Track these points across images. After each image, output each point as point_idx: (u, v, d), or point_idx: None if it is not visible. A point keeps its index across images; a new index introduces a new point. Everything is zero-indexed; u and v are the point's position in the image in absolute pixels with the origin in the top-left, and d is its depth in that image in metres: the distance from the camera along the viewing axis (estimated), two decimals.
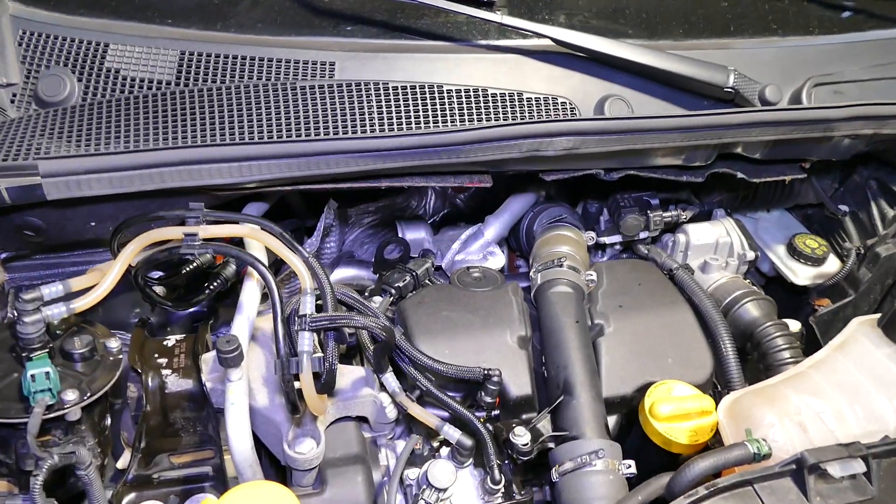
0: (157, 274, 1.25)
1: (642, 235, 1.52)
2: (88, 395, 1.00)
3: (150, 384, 1.13)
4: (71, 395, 0.97)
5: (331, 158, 1.15)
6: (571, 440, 1.15)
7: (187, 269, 1.22)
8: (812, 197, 1.71)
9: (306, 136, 1.20)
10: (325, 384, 1.07)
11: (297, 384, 1.05)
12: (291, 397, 1.06)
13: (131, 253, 1.06)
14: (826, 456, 0.91)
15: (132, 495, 1.10)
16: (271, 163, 1.13)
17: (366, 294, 1.46)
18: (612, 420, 1.26)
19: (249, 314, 1.15)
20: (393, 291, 1.35)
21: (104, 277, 1.04)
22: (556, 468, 1.12)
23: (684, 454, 1.18)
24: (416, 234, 1.60)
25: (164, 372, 1.15)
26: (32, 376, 0.93)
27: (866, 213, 1.62)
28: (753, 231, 1.70)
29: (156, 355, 1.17)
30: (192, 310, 1.42)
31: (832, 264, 1.60)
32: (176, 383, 1.14)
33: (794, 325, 1.46)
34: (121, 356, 1.07)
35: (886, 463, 0.97)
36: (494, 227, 1.52)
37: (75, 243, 1.24)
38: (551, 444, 1.17)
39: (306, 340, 1.06)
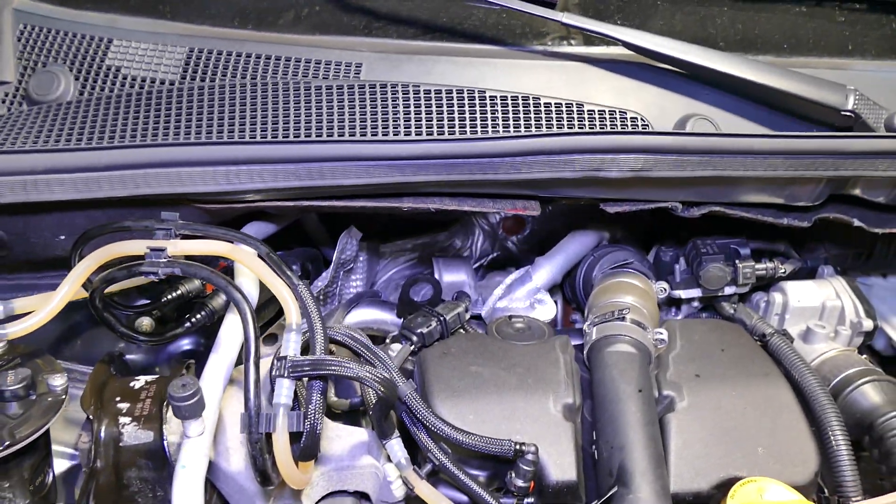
0: (140, 301, 1.05)
1: (728, 291, 1.23)
2: (6, 444, 0.79)
3: (101, 434, 0.92)
4: None
5: (337, 166, 0.94)
6: None
7: (169, 296, 1.03)
8: None
9: (317, 136, 0.99)
10: (305, 449, 0.83)
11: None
12: (260, 464, 0.82)
13: (84, 270, 0.87)
14: None
15: None
16: (265, 168, 0.93)
17: (386, 341, 1.23)
18: None
19: (229, 354, 0.93)
20: (415, 338, 1.11)
21: (49, 299, 0.84)
22: None
23: None
24: (455, 276, 1.37)
25: (123, 420, 0.94)
26: None
27: None
28: None
29: (117, 399, 0.96)
30: (186, 348, 1.23)
31: None
32: (133, 435, 0.93)
33: None
34: (63, 396, 0.87)
35: None
36: (545, 269, 1.27)
37: (45, 261, 1.06)
38: None
39: (284, 390, 0.83)
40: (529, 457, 0.93)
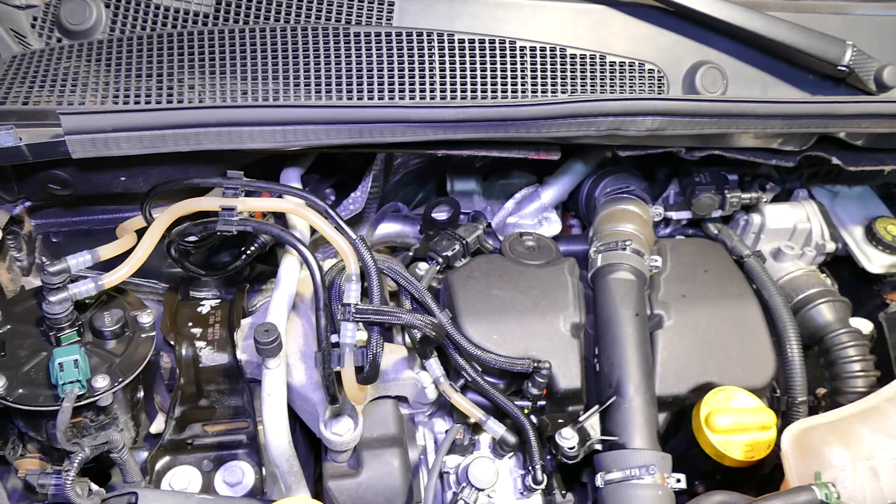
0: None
1: (714, 215, 1.39)
2: (120, 379, 0.94)
3: (183, 356, 1.07)
4: (102, 382, 0.92)
5: (386, 127, 1.02)
6: (620, 447, 1.09)
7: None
8: None
9: (358, 95, 1.06)
10: (368, 378, 1.00)
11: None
12: (332, 391, 0.99)
13: (163, 225, 0.97)
14: None
15: (166, 459, 1.08)
16: (318, 128, 1.01)
17: (409, 253, 1.37)
18: (661, 417, 1.20)
19: (289, 290, 1.07)
20: (440, 260, 1.26)
21: (134, 253, 0.95)
22: (602, 475, 1.07)
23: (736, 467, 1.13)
24: (465, 186, 1.49)
25: (199, 344, 1.09)
26: (60, 364, 0.87)
27: None
28: (830, 206, 1.55)
29: (189, 324, 1.10)
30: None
31: None
32: (210, 357, 1.08)
33: (866, 327, 1.35)
34: (153, 333, 1.01)
35: None
36: (553, 189, 1.40)
37: (104, 196, 1.15)
38: (598, 446, 1.12)
39: (349, 332, 0.98)
40: (544, 372, 1.12)
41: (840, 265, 1.58)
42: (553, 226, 1.40)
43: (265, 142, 1.01)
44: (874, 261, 1.46)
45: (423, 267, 1.27)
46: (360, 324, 1.01)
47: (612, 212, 1.33)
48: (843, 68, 1.16)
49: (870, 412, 1.03)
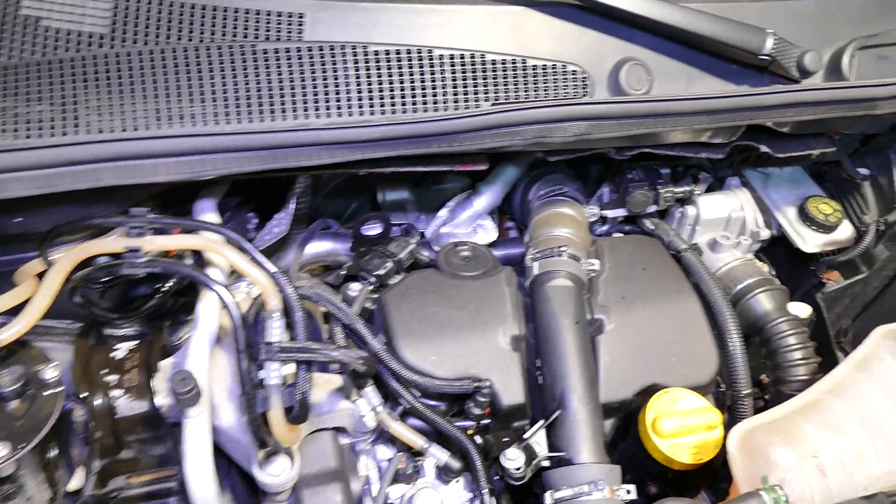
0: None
1: (649, 210, 1.37)
2: (23, 444, 0.87)
3: (96, 408, 1.00)
4: (2, 450, 0.84)
5: (301, 151, 0.96)
6: (567, 462, 1.06)
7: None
8: (830, 154, 1.56)
9: (271, 117, 1.00)
10: (297, 417, 0.95)
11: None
12: (259, 435, 0.94)
13: (62, 271, 0.89)
14: None
15: None
16: (228, 156, 0.94)
17: (341, 272, 1.31)
18: (607, 424, 1.17)
19: (208, 329, 1.00)
20: (373, 279, 1.21)
21: (30, 305, 0.88)
22: (552, 493, 1.04)
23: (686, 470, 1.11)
24: (397, 196, 1.44)
25: (114, 393, 1.01)
26: None
27: (888, 178, 1.49)
28: (763, 189, 1.55)
29: (103, 371, 1.03)
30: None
31: (844, 231, 1.48)
32: (128, 406, 1.01)
33: (804, 311, 1.36)
34: (60, 388, 0.93)
35: None
36: (486, 196, 1.35)
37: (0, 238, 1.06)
38: (546, 463, 1.09)
39: (273, 372, 0.93)
40: (485, 390, 1.09)
41: (776, 247, 1.59)
42: (488, 233, 1.36)
43: (170, 174, 0.93)
44: (808, 240, 1.46)
45: (355, 287, 1.22)
46: None
47: (546, 216, 1.29)
48: (765, 57, 1.14)
49: (812, 406, 1.02)
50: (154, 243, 0.91)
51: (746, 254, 1.40)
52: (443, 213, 1.37)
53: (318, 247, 1.33)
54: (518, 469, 1.05)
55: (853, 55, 1.22)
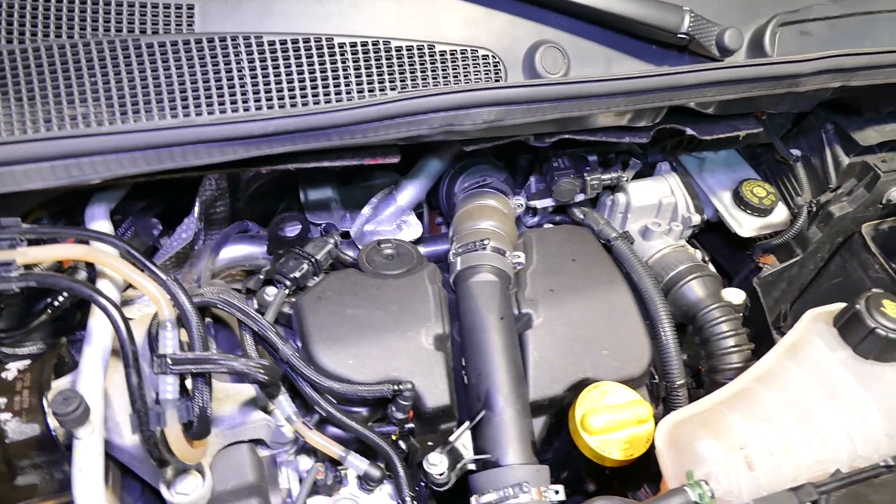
0: None
1: (578, 198, 1.33)
2: None
3: None
4: None
5: (189, 150, 0.90)
6: (494, 465, 1.01)
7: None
8: (763, 136, 1.54)
9: (160, 115, 0.94)
10: (198, 433, 0.89)
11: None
12: (155, 455, 0.87)
13: None
14: None
15: None
16: (108, 158, 0.88)
17: (260, 276, 1.25)
18: (540, 421, 1.13)
19: (102, 344, 0.94)
20: (288, 283, 1.15)
21: None
22: (477, 497, 0.99)
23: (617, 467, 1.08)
24: (320, 195, 1.38)
25: (3, 416, 0.94)
26: None
27: (820, 159, 1.47)
28: (698, 173, 1.53)
29: None
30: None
31: (779, 214, 1.46)
32: (18, 430, 0.94)
33: (739, 297, 1.33)
34: None
35: (836, 497, 0.87)
36: (409, 191, 1.30)
37: None
38: (472, 466, 1.04)
39: (168, 386, 0.86)
40: (406, 393, 1.04)
41: (715, 232, 1.57)
42: (413, 229, 1.30)
43: (45, 180, 0.87)
44: (744, 225, 1.44)
45: (271, 292, 1.16)
46: None
47: (469, 209, 1.25)
48: (684, 36, 1.11)
49: (739, 396, 0.99)
50: (27, 255, 0.84)
51: (679, 240, 1.36)
52: (366, 210, 1.32)
53: (233, 251, 1.26)
54: (441, 474, 1.00)
55: (775, 31, 1.20)
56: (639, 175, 1.40)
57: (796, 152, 1.50)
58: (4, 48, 0.93)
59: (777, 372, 1.00)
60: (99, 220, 1.01)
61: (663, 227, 1.34)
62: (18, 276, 0.83)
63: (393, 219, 1.30)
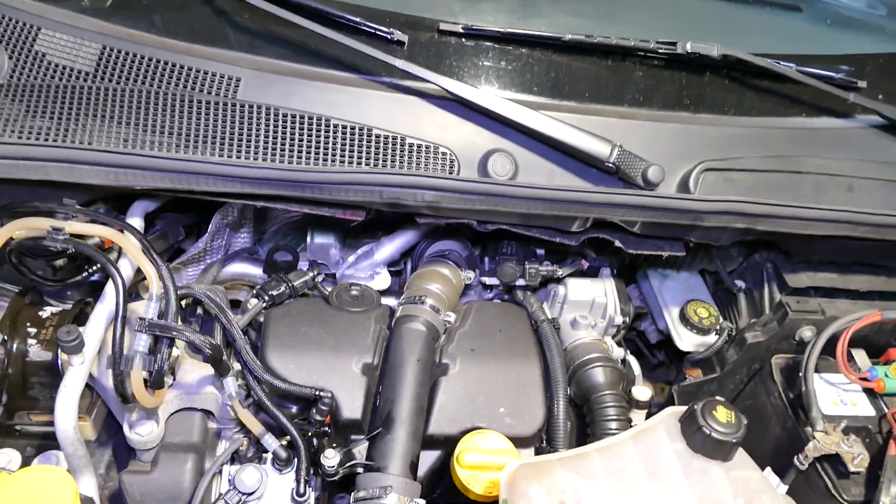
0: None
1: (520, 283, 1.58)
2: None
3: (13, 350, 1.27)
4: None
5: (200, 178, 1.24)
6: (375, 471, 1.25)
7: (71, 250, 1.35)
8: (710, 266, 1.75)
9: (194, 151, 1.29)
10: (153, 383, 1.19)
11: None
12: (120, 390, 1.18)
13: (1, 238, 1.18)
14: None
15: None
16: (146, 173, 1.23)
17: (254, 291, 1.57)
18: (434, 455, 1.36)
19: (110, 304, 1.27)
20: (267, 298, 1.46)
21: None
22: (354, 493, 1.23)
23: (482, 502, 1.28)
24: (323, 240, 1.70)
25: (31, 342, 1.28)
26: None
27: (759, 293, 1.65)
28: (658, 288, 1.74)
29: (28, 324, 1.30)
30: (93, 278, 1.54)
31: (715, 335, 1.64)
32: (37, 354, 1.28)
33: (645, 394, 1.51)
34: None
35: None
36: (386, 249, 1.60)
37: None
38: (360, 470, 1.28)
39: (141, 341, 1.18)
40: (326, 400, 1.30)
41: (664, 344, 1.76)
42: (382, 279, 1.60)
43: (100, 179, 1.23)
44: (684, 339, 1.64)
45: (252, 303, 1.47)
46: None
47: (424, 271, 1.53)
48: (611, 165, 1.36)
49: (574, 456, 1.18)
50: (73, 227, 1.19)
51: (602, 335, 1.58)
52: (350, 258, 1.63)
53: (237, 267, 1.60)
54: (331, 467, 1.25)
55: (699, 175, 1.43)
56: (585, 275, 1.64)
57: (741, 284, 1.69)
58: (109, 86, 1.33)
59: (615, 446, 1.20)
60: (134, 217, 1.37)
61: (590, 321, 1.56)
62: (62, 239, 1.19)
63: (368, 269, 1.60)
